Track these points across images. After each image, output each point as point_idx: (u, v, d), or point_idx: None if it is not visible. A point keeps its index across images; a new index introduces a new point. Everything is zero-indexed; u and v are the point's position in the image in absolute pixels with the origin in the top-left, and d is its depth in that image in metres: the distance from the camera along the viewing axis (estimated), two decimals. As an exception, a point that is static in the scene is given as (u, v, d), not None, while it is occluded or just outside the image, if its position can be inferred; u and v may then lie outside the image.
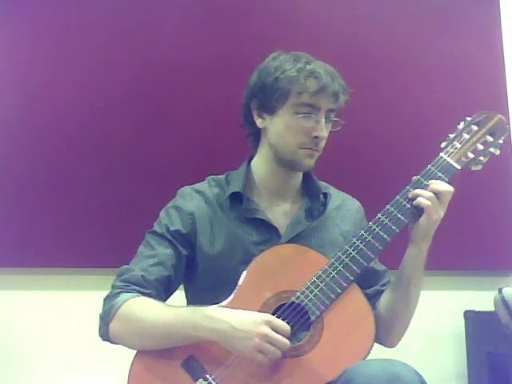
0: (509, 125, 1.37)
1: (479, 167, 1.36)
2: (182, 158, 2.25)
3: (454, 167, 1.32)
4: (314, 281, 1.27)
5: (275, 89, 1.36)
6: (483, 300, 2.12)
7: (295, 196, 1.49)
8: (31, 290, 2.16)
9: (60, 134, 2.22)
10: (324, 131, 1.37)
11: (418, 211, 1.29)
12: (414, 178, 1.32)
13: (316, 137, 1.36)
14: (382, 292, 1.44)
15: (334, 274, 1.27)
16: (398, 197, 1.31)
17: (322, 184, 1.51)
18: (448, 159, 1.33)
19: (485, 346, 2.22)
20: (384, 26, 2.46)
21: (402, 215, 1.29)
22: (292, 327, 1.22)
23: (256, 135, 1.47)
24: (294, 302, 1.26)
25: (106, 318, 1.31)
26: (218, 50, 2.32)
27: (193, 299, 1.46)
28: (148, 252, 1.39)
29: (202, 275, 1.40)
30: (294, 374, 1.21)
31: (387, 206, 1.31)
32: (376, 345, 1.30)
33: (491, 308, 2.01)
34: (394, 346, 1.43)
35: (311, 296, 1.25)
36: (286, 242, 1.39)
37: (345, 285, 1.26)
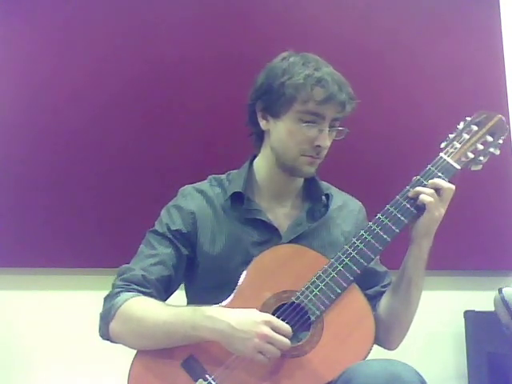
0: (509, 125, 1.36)
1: (479, 167, 1.36)
2: (182, 157, 2.25)
3: (454, 167, 1.32)
4: (314, 281, 1.26)
5: (281, 94, 1.34)
6: (483, 300, 2.12)
7: (297, 197, 1.48)
8: (31, 289, 2.16)
9: (60, 133, 2.22)
10: (327, 141, 1.36)
11: (418, 211, 1.29)
12: (414, 178, 1.32)
13: (318, 146, 1.35)
14: (382, 293, 1.44)
15: (333, 274, 1.27)
16: (397, 197, 1.31)
17: (324, 185, 1.50)
18: (448, 159, 1.32)
19: (485, 345, 2.22)
20: (384, 26, 2.47)
21: (401, 215, 1.29)
22: (292, 327, 1.21)
23: (259, 136, 1.46)
24: (293, 302, 1.26)
25: (106, 318, 1.31)
26: (218, 49, 2.32)
27: (193, 299, 1.45)
28: (149, 251, 1.39)
29: (203, 275, 1.40)
30: (294, 374, 1.21)
31: (387, 206, 1.31)
32: (376, 345, 1.30)
33: (491, 308, 2.01)
34: (394, 349, 1.42)
35: (311, 296, 1.25)
36: (287, 243, 1.38)
37: (345, 285, 1.26)
